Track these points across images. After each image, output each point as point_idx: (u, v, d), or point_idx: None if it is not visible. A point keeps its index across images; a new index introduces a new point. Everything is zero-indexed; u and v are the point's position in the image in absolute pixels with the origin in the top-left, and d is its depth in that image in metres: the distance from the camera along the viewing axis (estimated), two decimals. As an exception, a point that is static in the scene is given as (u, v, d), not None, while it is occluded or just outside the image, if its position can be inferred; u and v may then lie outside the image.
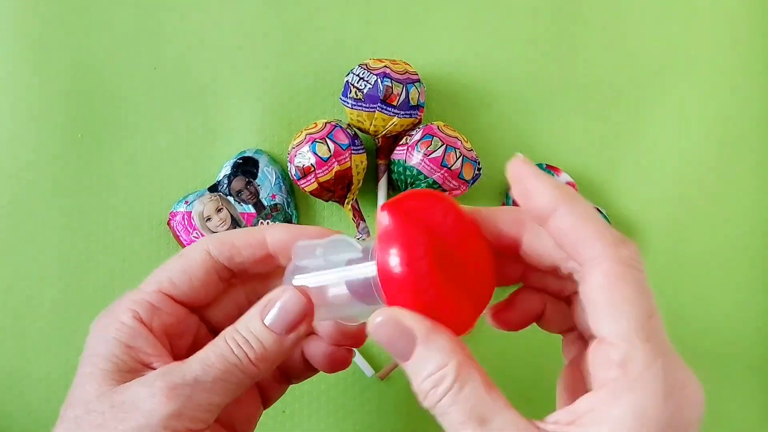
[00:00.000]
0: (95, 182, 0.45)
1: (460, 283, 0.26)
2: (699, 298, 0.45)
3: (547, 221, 0.24)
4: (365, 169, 0.43)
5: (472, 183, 0.42)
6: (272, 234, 0.30)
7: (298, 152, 0.41)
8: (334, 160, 0.41)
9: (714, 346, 0.45)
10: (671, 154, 0.46)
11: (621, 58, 0.46)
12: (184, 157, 0.45)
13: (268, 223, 0.43)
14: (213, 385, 0.27)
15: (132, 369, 0.28)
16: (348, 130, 0.42)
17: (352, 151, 0.41)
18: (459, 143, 0.42)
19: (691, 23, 0.46)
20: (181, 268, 0.30)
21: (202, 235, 0.43)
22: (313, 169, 0.41)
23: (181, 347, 0.30)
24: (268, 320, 0.28)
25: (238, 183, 0.43)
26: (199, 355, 0.28)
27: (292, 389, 0.42)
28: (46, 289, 0.44)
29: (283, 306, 0.28)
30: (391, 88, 0.41)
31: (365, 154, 0.43)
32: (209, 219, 0.43)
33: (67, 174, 0.44)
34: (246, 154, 0.44)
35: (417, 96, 0.42)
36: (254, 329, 0.28)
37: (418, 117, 0.42)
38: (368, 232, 0.43)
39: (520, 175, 0.25)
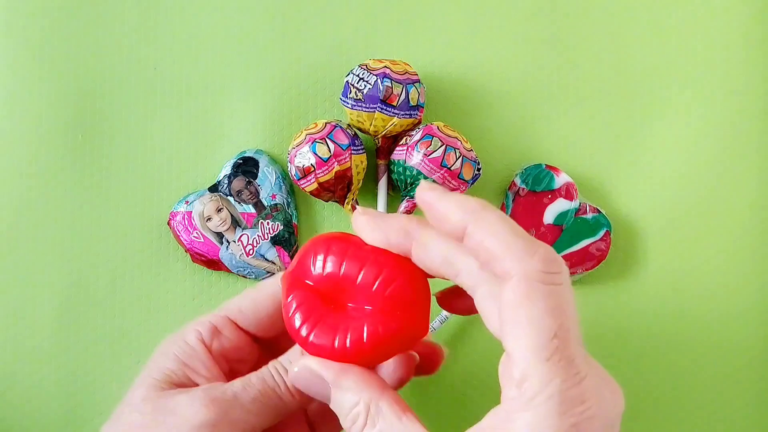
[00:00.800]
0: (95, 182, 0.45)
1: (374, 311, 0.26)
2: (699, 297, 0.45)
3: (462, 241, 0.24)
4: (365, 169, 0.43)
5: (472, 183, 0.43)
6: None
7: (298, 152, 0.41)
8: (334, 160, 0.41)
9: (714, 345, 0.45)
10: (671, 153, 0.46)
11: (621, 58, 0.46)
12: (184, 157, 0.45)
13: (268, 223, 0.43)
14: (251, 404, 0.29)
15: (181, 383, 0.30)
16: (348, 130, 0.42)
17: (352, 152, 0.41)
18: (459, 143, 0.42)
19: (691, 23, 0.46)
20: (251, 298, 0.32)
21: (203, 235, 0.43)
22: (313, 169, 0.41)
23: (241, 373, 0.31)
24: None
25: (238, 183, 0.43)
26: (242, 377, 0.30)
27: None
28: (47, 289, 0.44)
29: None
30: (391, 88, 0.41)
31: (365, 154, 0.43)
32: (209, 219, 0.43)
33: (66, 174, 0.45)
34: (246, 154, 0.44)
35: (417, 96, 0.42)
36: (293, 360, 0.29)
37: (418, 117, 0.42)
38: (368, 232, 0.43)
39: (428, 201, 0.25)
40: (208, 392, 0.28)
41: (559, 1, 0.46)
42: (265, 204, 0.43)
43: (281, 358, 0.30)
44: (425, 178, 0.41)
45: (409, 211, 0.42)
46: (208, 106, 0.45)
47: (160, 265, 0.44)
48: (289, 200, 0.44)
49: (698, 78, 0.46)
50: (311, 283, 0.27)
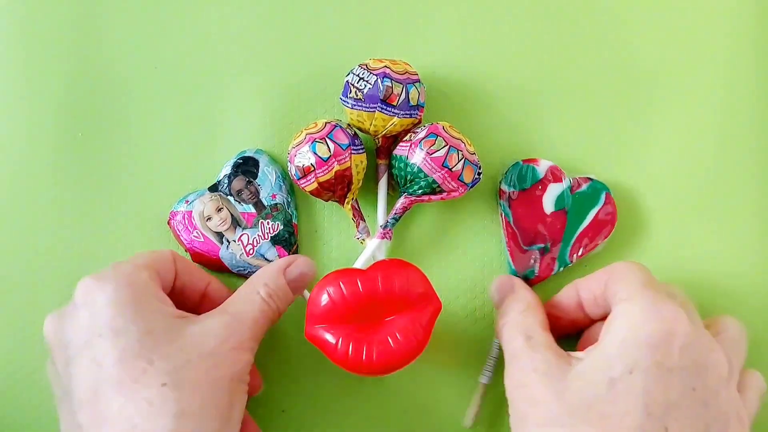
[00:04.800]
0: (95, 182, 0.45)
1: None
2: (699, 297, 0.45)
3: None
4: (365, 169, 0.43)
5: (471, 186, 0.42)
6: (214, 286, 0.41)
7: (298, 152, 0.41)
8: (334, 159, 0.41)
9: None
10: (672, 153, 0.46)
11: (622, 57, 0.46)
12: (184, 157, 0.45)
13: (268, 222, 0.43)
14: (267, 325, 0.38)
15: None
16: (348, 130, 0.42)
17: (352, 151, 0.41)
18: (463, 146, 0.41)
19: (691, 22, 0.46)
20: (162, 259, 0.38)
21: (203, 235, 0.43)
22: (313, 168, 0.41)
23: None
24: (290, 279, 0.39)
25: (238, 183, 0.43)
26: (246, 307, 0.37)
27: (294, 389, 0.42)
28: (46, 289, 0.44)
29: (304, 271, 0.40)
30: (391, 88, 0.41)
31: (365, 154, 0.43)
32: (210, 219, 0.43)
33: (66, 174, 0.45)
34: (246, 154, 0.44)
35: (417, 96, 0.42)
36: (281, 286, 0.39)
37: (418, 117, 0.42)
38: (368, 232, 0.43)
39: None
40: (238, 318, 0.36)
41: (560, 1, 0.46)
42: (265, 204, 0.43)
43: (268, 282, 0.38)
44: (426, 176, 0.41)
45: (406, 208, 0.42)
46: (208, 106, 0.45)
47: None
48: (289, 200, 0.44)
49: (697, 77, 0.46)
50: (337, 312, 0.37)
